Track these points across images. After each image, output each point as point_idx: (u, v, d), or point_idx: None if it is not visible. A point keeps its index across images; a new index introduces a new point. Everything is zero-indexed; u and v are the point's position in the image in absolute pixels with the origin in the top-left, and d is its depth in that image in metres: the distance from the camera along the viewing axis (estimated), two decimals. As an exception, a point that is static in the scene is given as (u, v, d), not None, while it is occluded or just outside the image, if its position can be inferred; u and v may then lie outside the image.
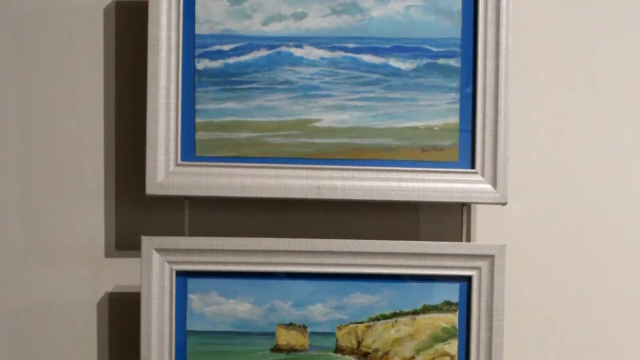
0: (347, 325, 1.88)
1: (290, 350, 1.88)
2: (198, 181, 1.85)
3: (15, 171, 1.94)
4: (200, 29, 1.86)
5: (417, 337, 1.89)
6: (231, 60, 1.87)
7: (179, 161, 1.85)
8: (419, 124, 1.89)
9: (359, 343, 1.88)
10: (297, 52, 1.88)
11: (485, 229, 2.00)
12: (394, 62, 1.89)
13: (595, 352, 2.03)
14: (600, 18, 2.03)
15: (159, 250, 1.83)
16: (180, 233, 1.90)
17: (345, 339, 1.88)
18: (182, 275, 1.86)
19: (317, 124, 1.88)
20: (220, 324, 1.87)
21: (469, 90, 1.90)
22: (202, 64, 1.87)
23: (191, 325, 1.86)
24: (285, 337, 1.87)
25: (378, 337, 1.89)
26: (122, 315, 1.96)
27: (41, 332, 1.95)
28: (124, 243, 1.95)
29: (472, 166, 1.89)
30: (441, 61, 1.89)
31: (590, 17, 2.02)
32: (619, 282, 2.03)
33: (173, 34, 1.85)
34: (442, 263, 1.87)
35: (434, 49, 1.89)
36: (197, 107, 1.87)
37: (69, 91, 1.95)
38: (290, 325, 1.87)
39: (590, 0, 2.02)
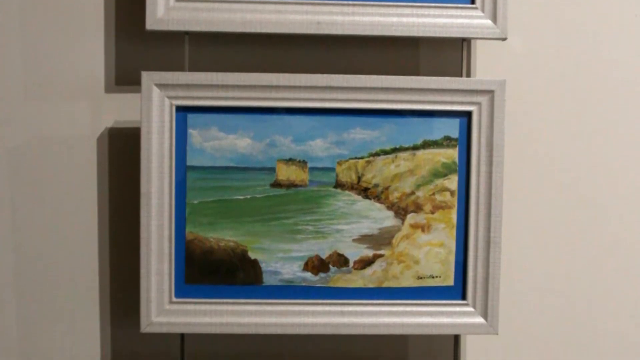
0: (347, 161, 1.88)
1: (290, 185, 1.89)
2: (198, 16, 1.84)
3: (15, 6, 1.92)
4: None
5: (417, 172, 1.89)
6: None
7: (179, -4, 1.85)
8: (420, -42, 1.88)
9: (359, 178, 1.89)
10: None
11: (485, 64, 2.00)
12: None
13: (593, 182, 2.05)
14: None
15: (159, 85, 1.83)
16: (181, 68, 1.90)
17: (345, 174, 1.89)
18: (182, 110, 1.85)
19: (317, -41, 1.87)
20: (220, 159, 1.87)
21: None
22: None
23: (191, 161, 1.87)
24: (285, 173, 1.88)
25: (378, 172, 1.89)
26: (122, 150, 1.96)
27: (41, 168, 1.95)
28: (123, 78, 1.95)
29: (472, 1, 1.88)
30: None
31: None
32: (618, 118, 2.04)
33: None
34: (442, 98, 1.86)
35: None
36: (196, -59, 1.85)
37: None
38: (290, 161, 1.88)
39: None
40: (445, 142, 1.89)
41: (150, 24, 1.83)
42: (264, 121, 1.86)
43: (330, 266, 1.90)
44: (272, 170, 1.88)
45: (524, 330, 2.05)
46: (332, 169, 1.88)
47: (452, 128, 1.88)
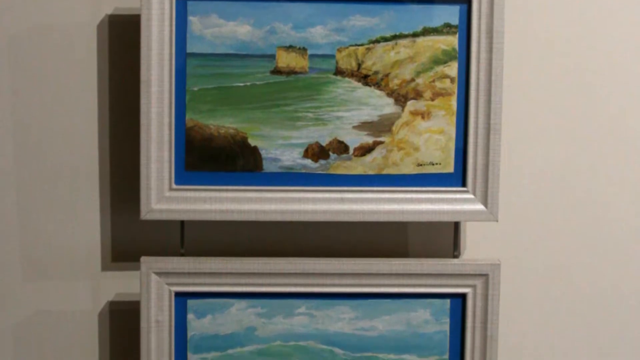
0: (347, 48, 1.88)
1: (290, 72, 1.88)
2: None
3: None
4: None
5: (417, 59, 1.89)
6: None
7: None
8: None
9: (359, 65, 1.89)
10: None
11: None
12: None
13: (595, 67, 2.05)
14: None
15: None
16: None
17: (345, 61, 1.89)
18: (182, -3, 1.86)
19: None
20: (220, 46, 1.87)
21: None
22: None
23: (191, 48, 1.86)
24: (285, 59, 1.88)
25: (378, 59, 1.89)
26: (122, 37, 1.96)
27: (41, 56, 1.96)
28: (122, -34, 1.95)
29: None
30: None
31: None
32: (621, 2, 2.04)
33: None
34: (442, -14, 1.87)
35: None
36: None
37: None
38: (290, 48, 1.87)
39: None
40: (445, 29, 1.88)
41: None
42: (264, 8, 1.86)
43: (330, 153, 1.90)
44: (272, 57, 1.88)
45: (523, 217, 2.05)
46: (332, 56, 1.88)
47: (452, 15, 1.88)
